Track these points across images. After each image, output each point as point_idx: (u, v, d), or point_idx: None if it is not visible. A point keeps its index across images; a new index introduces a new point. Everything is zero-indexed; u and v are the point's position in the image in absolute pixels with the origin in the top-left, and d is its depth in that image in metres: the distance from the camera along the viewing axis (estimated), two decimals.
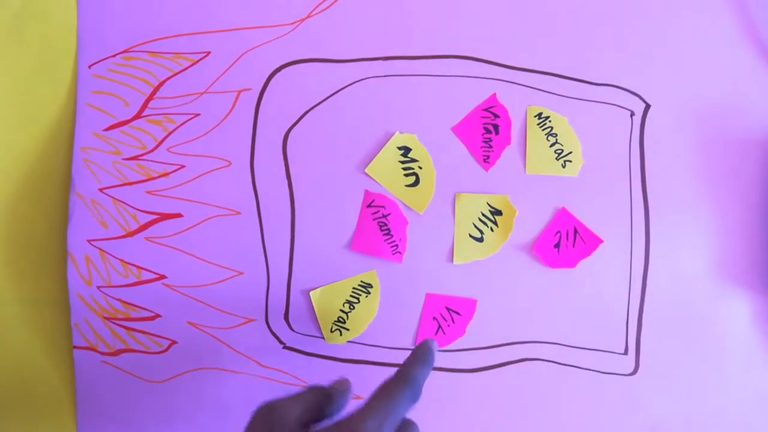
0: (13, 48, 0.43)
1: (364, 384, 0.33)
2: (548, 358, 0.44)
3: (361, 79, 0.44)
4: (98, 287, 0.44)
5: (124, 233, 0.44)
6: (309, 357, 0.45)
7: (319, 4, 0.44)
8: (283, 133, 0.44)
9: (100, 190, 0.44)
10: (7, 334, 0.44)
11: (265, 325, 0.44)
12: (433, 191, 0.44)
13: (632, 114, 0.44)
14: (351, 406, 0.32)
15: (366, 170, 0.44)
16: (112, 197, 0.44)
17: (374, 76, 0.44)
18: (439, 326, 0.44)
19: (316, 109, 0.44)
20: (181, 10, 0.44)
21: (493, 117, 0.44)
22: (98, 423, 0.45)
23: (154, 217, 0.44)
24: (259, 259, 0.44)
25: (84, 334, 0.45)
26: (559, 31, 0.44)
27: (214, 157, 0.44)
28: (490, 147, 0.44)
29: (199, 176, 0.44)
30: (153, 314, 0.44)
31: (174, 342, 0.45)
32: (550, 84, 0.44)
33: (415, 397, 0.31)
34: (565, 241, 0.44)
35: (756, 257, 0.44)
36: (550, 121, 0.44)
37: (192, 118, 0.44)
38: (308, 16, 0.44)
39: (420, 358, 0.33)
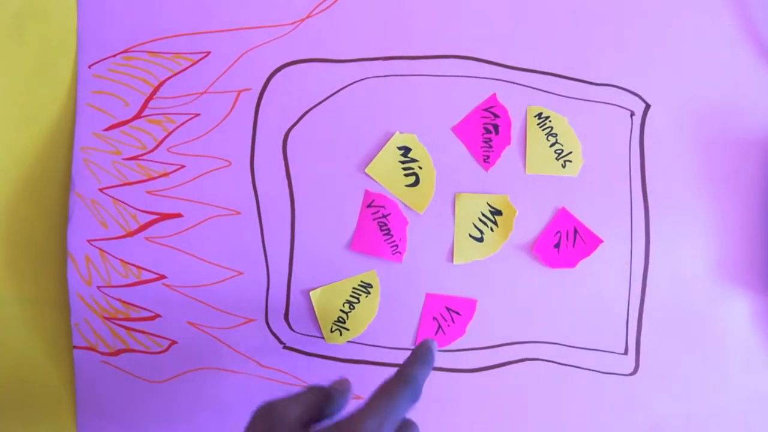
0: (13, 48, 0.43)
1: (364, 384, 0.33)
2: (548, 358, 0.44)
3: (361, 79, 0.44)
4: (98, 287, 0.44)
5: (124, 233, 0.44)
6: (309, 357, 0.45)
7: (319, 4, 0.44)
8: (283, 133, 0.44)
9: (100, 190, 0.44)
10: (7, 334, 0.44)
11: (265, 325, 0.44)
12: (433, 191, 0.44)
13: (632, 114, 0.44)
14: (351, 406, 0.32)
15: (366, 170, 0.44)
16: (112, 197, 0.44)
17: (374, 76, 0.44)
18: (439, 326, 0.44)
19: (316, 109, 0.44)
20: (181, 10, 0.44)
21: (493, 117, 0.44)
22: (98, 423, 0.45)
23: (154, 217, 0.44)
24: (259, 259, 0.44)
25: (84, 334, 0.45)
26: (559, 31, 0.44)
27: (214, 157, 0.44)
28: (490, 147, 0.44)
29: (199, 176, 0.44)
30: (153, 314, 0.44)
31: (174, 342, 0.45)
32: (550, 84, 0.44)
33: (415, 397, 0.31)
34: (565, 241, 0.44)
35: (756, 257, 0.44)
36: (550, 121, 0.44)
37: (192, 118, 0.44)
38: (308, 16, 0.44)
39: (420, 358, 0.33)
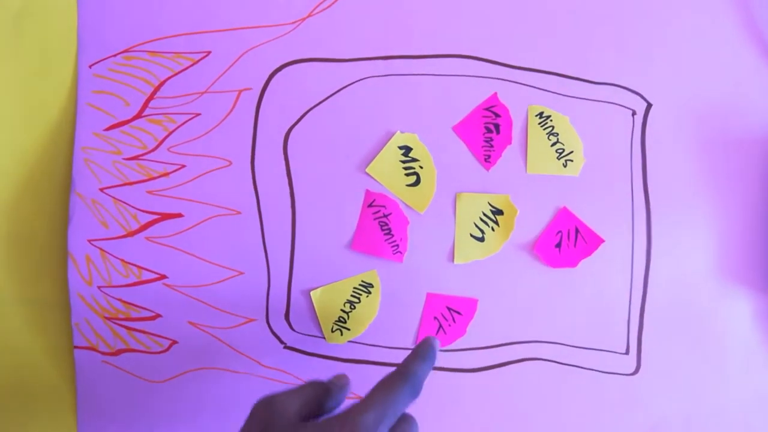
0: (14, 48, 0.43)
1: (365, 384, 0.33)
2: (549, 358, 0.44)
3: (362, 79, 0.44)
4: (99, 287, 0.44)
5: (125, 233, 0.44)
6: (310, 357, 0.45)
7: (320, 3, 0.44)
8: (284, 133, 0.44)
9: (101, 189, 0.44)
10: (7, 334, 0.44)
11: (266, 325, 0.44)
12: (434, 191, 0.44)
13: (634, 113, 0.44)
14: (348, 405, 0.32)
15: (367, 170, 0.44)
16: (113, 197, 0.44)
17: (375, 76, 0.44)
18: (440, 326, 0.44)
19: (316, 108, 0.44)
20: (182, 10, 0.44)
21: (494, 116, 0.44)
22: (99, 423, 0.45)
23: (155, 217, 0.44)
24: (260, 259, 0.44)
25: (85, 334, 0.45)
26: (560, 30, 0.43)
27: (215, 157, 0.44)
28: (491, 146, 0.44)
29: (200, 176, 0.44)
30: (154, 314, 0.44)
31: (175, 342, 0.45)
32: (552, 83, 0.44)
33: (415, 392, 0.31)
34: (567, 241, 0.44)
35: (757, 256, 0.44)
36: (551, 121, 0.44)
37: (192, 117, 0.44)
38: (309, 16, 0.44)
39: (421, 354, 0.33)
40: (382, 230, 0.44)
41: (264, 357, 0.45)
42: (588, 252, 0.44)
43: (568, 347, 0.44)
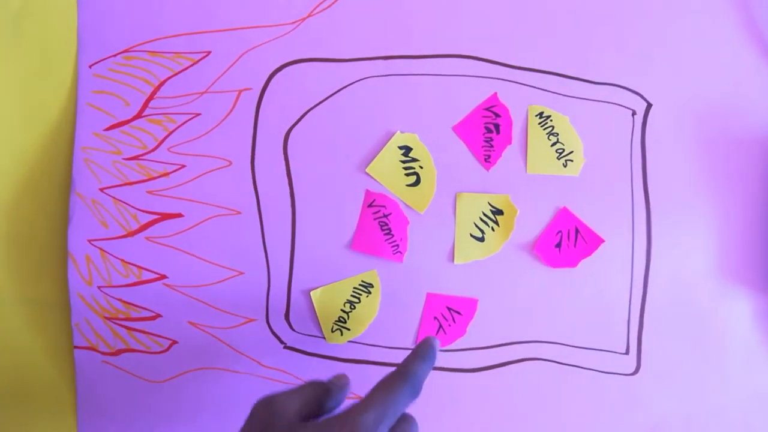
0: (14, 48, 0.43)
1: (365, 384, 0.33)
2: (549, 358, 0.44)
3: (362, 79, 0.44)
4: (99, 287, 0.44)
5: (125, 233, 0.44)
6: (310, 357, 0.45)
7: (320, 3, 0.44)
8: (284, 133, 0.44)
9: (101, 189, 0.44)
10: (7, 334, 0.44)
11: (266, 325, 0.44)
12: (434, 191, 0.44)
13: (634, 113, 0.44)
14: (348, 406, 0.32)
15: (367, 170, 0.44)
16: (113, 197, 0.44)
17: (375, 76, 0.44)
18: (440, 326, 0.44)
19: (316, 108, 0.44)
20: (182, 10, 0.44)
21: (494, 116, 0.44)
22: (99, 423, 0.45)
23: (155, 216, 0.44)
24: (260, 259, 0.44)
25: (85, 334, 0.45)
26: (560, 30, 0.43)
27: (215, 157, 0.44)
28: (491, 146, 0.44)
29: (200, 176, 0.44)
30: (154, 314, 0.44)
31: (175, 342, 0.45)
32: (552, 83, 0.44)
33: (415, 392, 0.31)
34: (567, 241, 0.44)
35: (757, 256, 0.44)
36: (551, 121, 0.44)
37: (192, 117, 0.44)
38: (309, 16, 0.44)
39: (421, 354, 0.33)
40: (382, 230, 0.44)
41: (264, 357, 0.44)
42: (588, 252, 0.44)
43: (568, 347, 0.44)
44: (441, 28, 0.44)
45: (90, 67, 0.44)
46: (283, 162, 0.44)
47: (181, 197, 0.44)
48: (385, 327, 0.44)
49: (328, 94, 0.44)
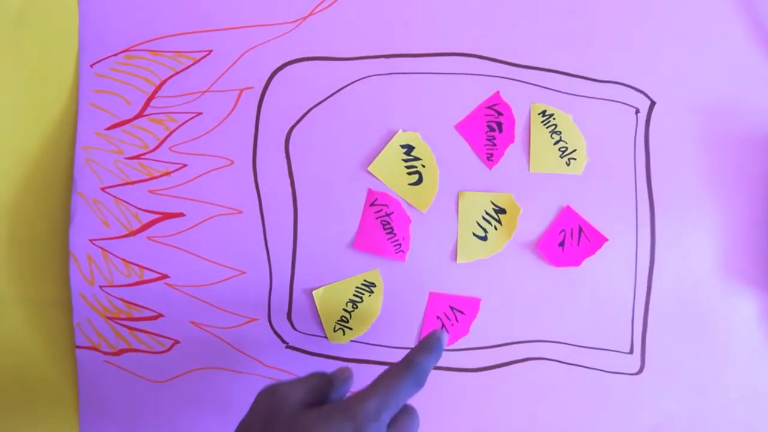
0: (15, 48, 0.43)
1: (368, 383, 0.33)
2: (553, 358, 0.44)
3: (364, 77, 0.44)
4: (100, 287, 0.44)
5: (126, 232, 0.44)
6: (312, 356, 0.44)
7: (321, 2, 0.43)
8: (286, 132, 0.44)
9: (102, 189, 0.44)
10: (9, 334, 0.44)
11: (268, 325, 0.44)
12: (437, 189, 0.44)
13: (637, 111, 0.44)
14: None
15: (369, 168, 0.44)
16: (114, 196, 0.44)
17: (377, 74, 0.44)
18: (443, 325, 0.44)
19: (318, 107, 0.44)
20: (183, 9, 0.44)
21: (496, 115, 0.44)
22: (101, 423, 0.45)
23: (156, 216, 0.44)
24: (262, 259, 0.44)
25: (86, 333, 0.44)
26: (563, 28, 0.43)
27: (216, 156, 0.44)
28: (494, 145, 0.44)
29: (201, 175, 0.44)
30: (155, 314, 0.44)
31: (176, 341, 0.44)
32: (554, 81, 0.43)
33: (418, 383, 0.31)
34: (570, 240, 0.43)
35: (762, 255, 0.43)
36: (554, 119, 0.43)
37: (194, 116, 0.44)
38: (310, 14, 0.44)
39: (427, 347, 0.33)
40: (385, 229, 0.44)
41: (266, 357, 0.44)
42: (591, 251, 0.44)
43: (572, 347, 0.44)
44: (443, 26, 0.43)
45: (91, 66, 0.44)
46: (285, 161, 0.44)
47: (182, 196, 0.44)
48: (387, 326, 0.44)
49: (330, 93, 0.44)
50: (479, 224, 0.44)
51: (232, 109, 0.44)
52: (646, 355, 0.44)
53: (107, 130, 0.44)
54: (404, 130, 0.43)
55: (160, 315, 0.44)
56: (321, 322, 0.44)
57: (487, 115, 0.44)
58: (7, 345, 0.45)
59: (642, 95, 0.43)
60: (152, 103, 0.44)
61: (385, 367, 0.32)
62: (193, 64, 0.44)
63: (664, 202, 0.44)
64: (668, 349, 0.44)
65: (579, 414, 0.44)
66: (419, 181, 0.44)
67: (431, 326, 0.44)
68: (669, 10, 0.43)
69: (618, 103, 0.43)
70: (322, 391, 0.32)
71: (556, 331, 0.44)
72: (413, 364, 0.31)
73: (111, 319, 0.44)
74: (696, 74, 0.43)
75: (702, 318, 0.44)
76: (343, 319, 0.44)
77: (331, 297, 0.44)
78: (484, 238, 0.44)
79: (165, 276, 0.44)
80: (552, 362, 0.44)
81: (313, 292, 0.44)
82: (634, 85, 0.43)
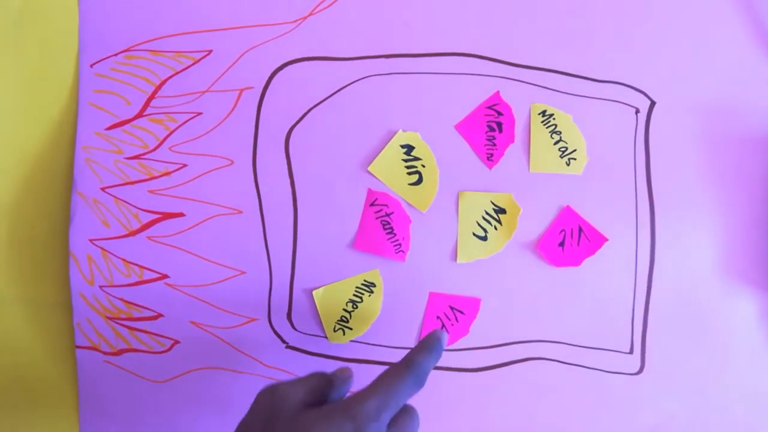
0: (15, 48, 0.43)
1: (368, 383, 0.33)
2: (553, 358, 0.44)
3: (364, 77, 0.44)
4: (100, 287, 0.44)
5: (127, 232, 0.44)
6: (312, 356, 0.44)
7: (321, 2, 0.43)
8: (286, 132, 0.44)
9: (102, 189, 0.44)
10: (9, 334, 0.44)
11: (268, 325, 0.44)
12: (437, 189, 0.44)
13: (637, 111, 0.44)
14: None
15: (369, 168, 0.44)
16: (114, 196, 0.44)
17: (377, 74, 0.44)
18: (443, 325, 0.44)
19: (318, 107, 0.44)
20: (183, 9, 0.44)
21: (496, 115, 0.44)
22: (101, 423, 0.45)
23: (156, 216, 0.44)
24: (262, 259, 0.44)
25: (86, 333, 0.44)
26: (563, 28, 0.43)
27: (216, 156, 0.44)
28: (494, 145, 0.44)
29: (201, 175, 0.44)
30: (155, 314, 0.44)
31: (176, 341, 0.44)
32: (554, 81, 0.43)
33: (418, 383, 0.31)
34: (570, 240, 0.43)
35: (762, 255, 0.43)
36: (554, 119, 0.43)
37: (194, 116, 0.44)
38: (310, 14, 0.44)
39: (428, 347, 0.33)
40: (385, 229, 0.44)
41: (266, 357, 0.44)
42: (591, 251, 0.44)
43: (572, 347, 0.44)
44: (443, 26, 0.43)
45: (91, 66, 0.44)
46: (285, 161, 0.44)
47: (182, 196, 0.44)
48: (387, 326, 0.44)
49: (330, 93, 0.44)
50: (479, 224, 0.44)
51: (232, 109, 0.44)
52: (646, 355, 0.44)
53: (107, 130, 0.44)
54: (404, 130, 0.43)
55: (160, 315, 0.44)
56: (321, 322, 0.44)
57: (487, 115, 0.44)
58: (7, 345, 0.45)
59: (642, 95, 0.43)
60: (152, 103, 0.44)
61: (385, 367, 0.32)
62: (193, 64, 0.44)
63: (664, 202, 0.44)
64: (668, 349, 0.44)
65: (579, 414, 0.44)
66: (419, 181, 0.44)
67: (431, 326, 0.44)
68: (669, 10, 0.43)
69: (618, 103, 0.43)
70: (322, 391, 0.32)
71: (556, 331, 0.44)
72: (413, 364, 0.31)
73: (111, 319, 0.44)
74: (696, 74, 0.43)
75: (702, 318, 0.44)
76: (343, 319, 0.44)
77: (331, 297, 0.44)
78: (484, 238, 0.44)
79: (165, 276, 0.44)
80: (552, 362, 0.44)
81: (313, 292, 0.44)
82: (634, 85, 0.43)
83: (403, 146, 0.43)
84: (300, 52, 0.44)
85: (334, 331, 0.44)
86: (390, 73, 0.44)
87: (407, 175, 0.44)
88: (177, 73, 0.44)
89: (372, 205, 0.44)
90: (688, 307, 0.44)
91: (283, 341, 0.44)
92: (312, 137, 0.44)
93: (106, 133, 0.44)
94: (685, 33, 0.43)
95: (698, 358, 0.44)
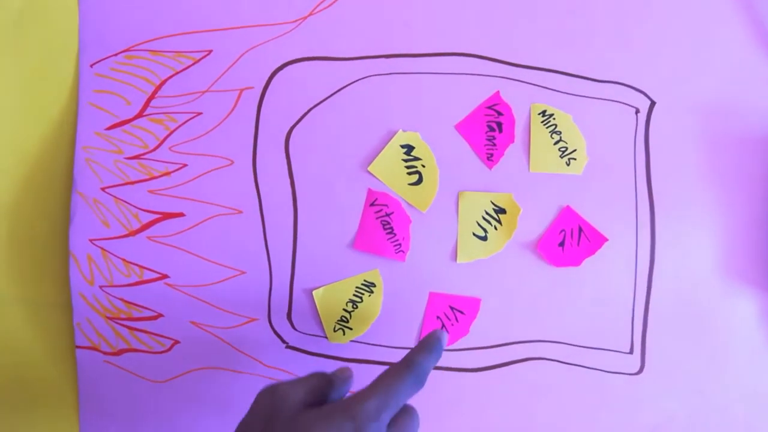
0: (15, 48, 0.43)
1: (368, 383, 0.33)
2: (553, 358, 0.44)
3: (364, 77, 0.44)
4: (100, 287, 0.44)
5: (127, 232, 0.44)
6: (312, 356, 0.44)
7: (321, 2, 0.43)
8: (286, 132, 0.44)
9: (102, 189, 0.44)
10: (9, 334, 0.44)
11: (268, 325, 0.44)
12: (437, 189, 0.44)
13: (637, 111, 0.44)
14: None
15: (369, 168, 0.44)
16: (114, 196, 0.44)
17: (377, 74, 0.44)
18: (443, 325, 0.44)
19: (318, 107, 0.44)
20: (183, 9, 0.44)
21: (496, 115, 0.44)
22: (101, 423, 0.45)
23: (156, 216, 0.44)
24: (262, 259, 0.44)
25: (86, 333, 0.44)
26: (563, 28, 0.43)
27: (216, 156, 0.44)
28: (494, 145, 0.44)
29: (201, 175, 0.44)
30: (155, 314, 0.44)
31: (176, 342, 0.44)
32: (554, 81, 0.43)
33: (418, 383, 0.31)
34: (570, 240, 0.43)
35: (762, 255, 0.43)
36: (554, 119, 0.43)
37: (194, 116, 0.44)
38: (310, 14, 0.44)
39: (428, 347, 0.33)
40: (385, 229, 0.44)
41: (266, 357, 0.44)
42: (592, 251, 0.44)
43: (572, 347, 0.44)
44: (443, 25, 0.43)
45: (91, 66, 0.44)
46: (285, 161, 0.44)
47: (182, 196, 0.44)
48: (387, 326, 0.44)
49: (330, 93, 0.44)
50: (479, 224, 0.44)
51: (232, 109, 0.44)
52: (646, 355, 0.44)
53: (107, 130, 0.44)
54: (404, 130, 0.43)
55: (160, 315, 0.44)
56: (321, 322, 0.44)
57: (487, 115, 0.44)
58: (7, 345, 0.45)
59: (642, 95, 0.43)
60: (152, 103, 0.44)
61: (385, 367, 0.32)
62: (193, 64, 0.44)
63: (664, 202, 0.44)
64: (668, 349, 0.44)
65: (579, 414, 0.44)
66: (419, 181, 0.44)
67: (431, 326, 0.44)
68: (669, 10, 0.43)
69: (618, 103, 0.43)
70: (322, 391, 0.32)
71: (556, 331, 0.44)
72: (413, 364, 0.31)
73: (111, 319, 0.44)
74: (696, 74, 0.43)
75: (702, 318, 0.44)
76: (343, 319, 0.44)
77: (331, 297, 0.44)
78: (484, 238, 0.44)
79: (165, 276, 0.44)
80: (552, 362, 0.44)
81: (313, 292, 0.44)
82: (634, 85, 0.43)
83: (403, 146, 0.43)
84: (300, 52, 0.44)
85: (334, 331, 0.44)
86: (390, 73, 0.44)
87: (407, 175, 0.44)
88: (177, 73, 0.44)
89: (372, 205, 0.44)
90: (688, 307, 0.44)
91: (283, 341, 0.44)
92: (312, 137, 0.44)
93: (106, 133, 0.44)
94: (685, 33, 0.43)
95: (698, 358, 0.44)
